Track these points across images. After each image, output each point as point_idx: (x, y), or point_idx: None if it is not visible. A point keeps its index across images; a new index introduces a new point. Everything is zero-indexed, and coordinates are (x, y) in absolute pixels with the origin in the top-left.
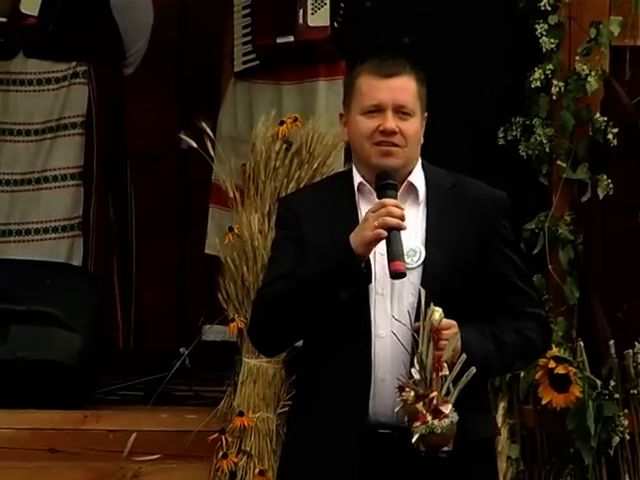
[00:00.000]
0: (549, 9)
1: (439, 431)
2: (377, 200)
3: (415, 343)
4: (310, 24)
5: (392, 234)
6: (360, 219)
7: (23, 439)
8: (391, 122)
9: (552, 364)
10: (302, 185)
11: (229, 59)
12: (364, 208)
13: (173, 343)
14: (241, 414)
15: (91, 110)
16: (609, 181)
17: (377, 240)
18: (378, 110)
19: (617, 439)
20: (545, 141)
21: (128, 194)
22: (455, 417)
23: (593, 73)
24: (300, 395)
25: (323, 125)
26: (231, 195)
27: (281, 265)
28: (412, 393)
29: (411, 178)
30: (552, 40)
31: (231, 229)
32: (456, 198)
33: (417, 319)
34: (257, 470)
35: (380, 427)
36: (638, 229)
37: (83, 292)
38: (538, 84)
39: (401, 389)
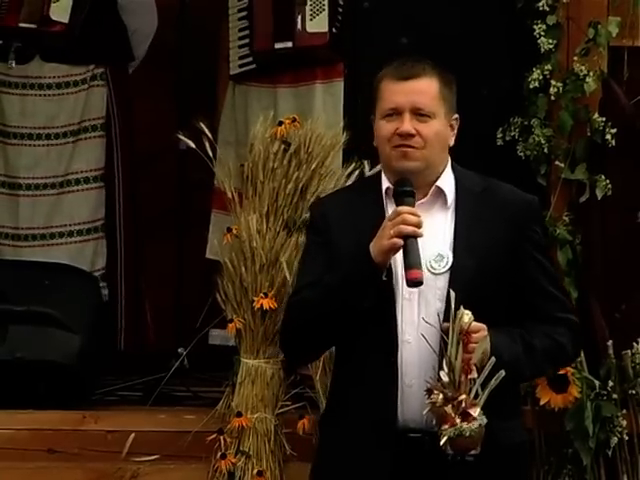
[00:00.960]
0: (547, 9)
1: (467, 434)
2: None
3: (444, 346)
4: (309, 30)
5: (409, 242)
6: None
7: (22, 439)
8: (407, 124)
9: None
10: (300, 186)
11: (225, 61)
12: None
13: (172, 343)
14: (239, 414)
15: (109, 112)
16: (607, 181)
17: (393, 249)
18: (396, 113)
19: (615, 439)
20: (543, 141)
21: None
22: (484, 420)
23: (591, 73)
24: (332, 400)
25: (321, 126)
26: (230, 197)
27: (309, 272)
28: (440, 396)
29: (439, 182)
30: (550, 40)
31: (229, 230)
32: (487, 202)
33: (446, 323)
34: (255, 471)
35: (410, 432)
36: (637, 229)
37: (82, 292)
38: (536, 84)
39: (429, 392)
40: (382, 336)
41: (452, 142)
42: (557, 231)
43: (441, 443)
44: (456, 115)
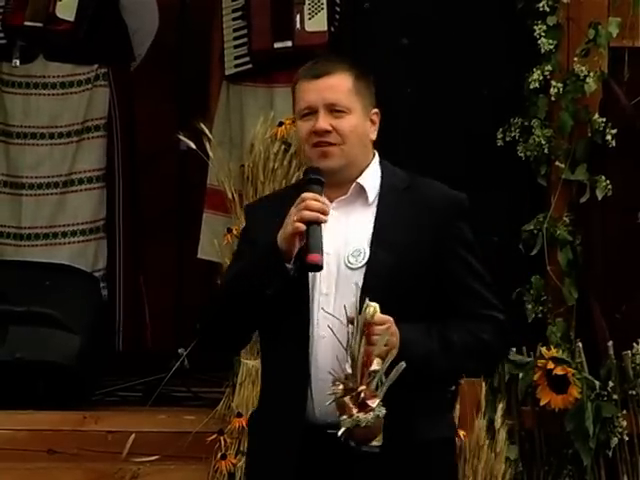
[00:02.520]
0: (548, 10)
1: (364, 424)
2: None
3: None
4: (308, 29)
5: (311, 228)
6: None
7: (22, 440)
8: (321, 121)
9: (551, 365)
10: None
11: (219, 62)
12: None
13: (172, 344)
14: (239, 415)
15: (111, 112)
16: (608, 182)
17: (295, 234)
18: (311, 112)
19: (616, 440)
20: (544, 142)
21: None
22: (382, 411)
23: (592, 74)
24: (260, 396)
25: None
26: (230, 197)
27: (233, 268)
28: (341, 386)
29: (360, 179)
30: (551, 41)
31: (230, 230)
32: (410, 199)
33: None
34: None
35: (328, 427)
36: (637, 230)
37: (82, 293)
38: (537, 85)
39: (334, 383)
40: (297, 331)
41: (374, 137)
42: (557, 232)
43: (339, 433)
44: (376, 110)
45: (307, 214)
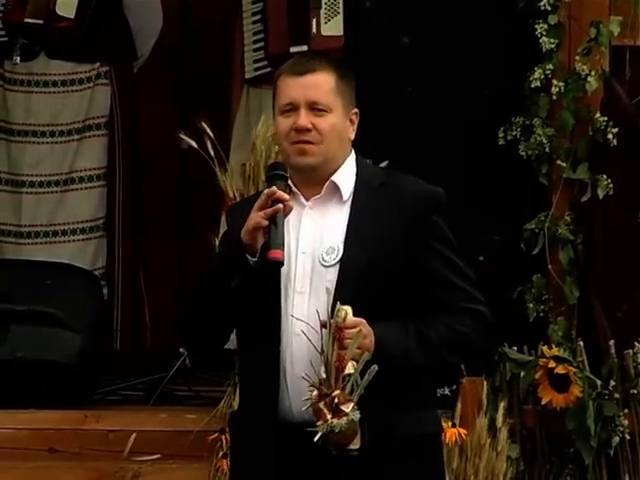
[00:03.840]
0: (549, 9)
1: (338, 429)
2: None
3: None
4: (324, 33)
5: (273, 224)
6: (289, 220)
7: (23, 439)
8: (303, 119)
9: (552, 364)
10: None
11: (240, 65)
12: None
13: (173, 343)
14: None
15: (113, 111)
16: (609, 181)
17: (257, 228)
18: (292, 109)
19: (617, 439)
20: (545, 141)
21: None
22: (356, 415)
23: (593, 73)
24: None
25: None
26: (231, 196)
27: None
28: (315, 392)
29: (335, 177)
30: (552, 40)
31: None
32: (384, 195)
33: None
34: None
35: (306, 425)
36: (638, 229)
37: (83, 292)
38: (538, 84)
39: (310, 389)
40: (268, 328)
41: (352, 136)
42: (559, 231)
43: (315, 439)
44: (355, 110)
45: (268, 210)
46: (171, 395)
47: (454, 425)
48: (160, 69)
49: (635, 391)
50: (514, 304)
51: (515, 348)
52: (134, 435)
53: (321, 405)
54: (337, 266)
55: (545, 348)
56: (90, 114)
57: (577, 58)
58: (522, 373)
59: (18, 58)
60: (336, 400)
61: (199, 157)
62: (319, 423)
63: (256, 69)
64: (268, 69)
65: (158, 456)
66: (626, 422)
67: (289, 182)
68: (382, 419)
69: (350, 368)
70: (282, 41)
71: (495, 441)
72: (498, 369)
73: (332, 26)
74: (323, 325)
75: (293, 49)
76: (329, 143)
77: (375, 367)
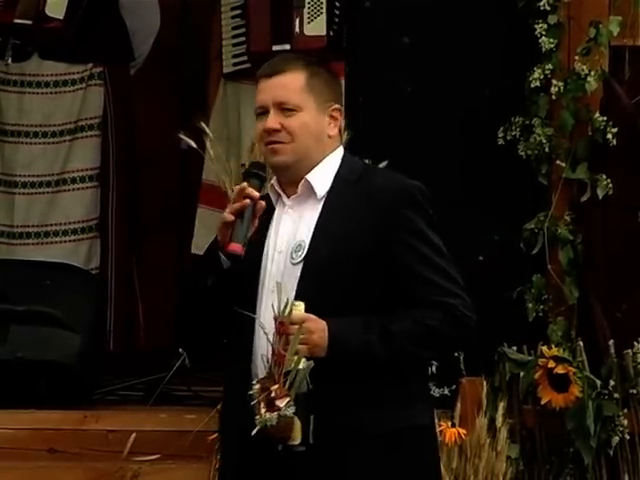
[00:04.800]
0: (548, 9)
1: (269, 424)
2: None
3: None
4: (307, 33)
5: (238, 219)
6: (273, 221)
7: (23, 439)
8: (270, 121)
9: (552, 364)
10: None
11: (217, 59)
12: (277, 210)
13: (169, 344)
14: None
15: (106, 111)
16: (608, 181)
17: (226, 224)
18: (263, 112)
19: (617, 439)
20: (544, 141)
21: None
22: (289, 411)
23: (592, 73)
24: None
25: None
26: (230, 194)
27: None
28: (258, 386)
29: (309, 176)
30: (551, 40)
31: None
32: (358, 190)
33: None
34: None
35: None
36: (638, 229)
37: (82, 292)
38: (537, 84)
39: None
40: (244, 327)
41: (333, 132)
42: (558, 230)
43: (252, 433)
44: (336, 105)
45: (234, 205)
46: (170, 395)
47: (453, 425)
48: (160, 69)
49: (635, 391)
50: (513, 304)
51: (515, 348)
52: (133, 435)
53: (260, 398)
54: (302, 264)
55: (545, 348)
56: (83, 115)
57: (577, 58)
58: (522, 373)
59: (10, 58)
60: (272, 394)
61: (199, 157)
62: (256, 417)
63: (235, 64)
64: (248, 65)
65: (157, 456)
66: (626, 422)
67: (273, 182)
68: (346, 415)
69: (292, 364)
70: (264, 39)
71: (495, 441)
72: (498, 369)
73: (315, 26)
74: (275, 321)
75: (275, 47)
76: (300, 141)
77: (311, 363)
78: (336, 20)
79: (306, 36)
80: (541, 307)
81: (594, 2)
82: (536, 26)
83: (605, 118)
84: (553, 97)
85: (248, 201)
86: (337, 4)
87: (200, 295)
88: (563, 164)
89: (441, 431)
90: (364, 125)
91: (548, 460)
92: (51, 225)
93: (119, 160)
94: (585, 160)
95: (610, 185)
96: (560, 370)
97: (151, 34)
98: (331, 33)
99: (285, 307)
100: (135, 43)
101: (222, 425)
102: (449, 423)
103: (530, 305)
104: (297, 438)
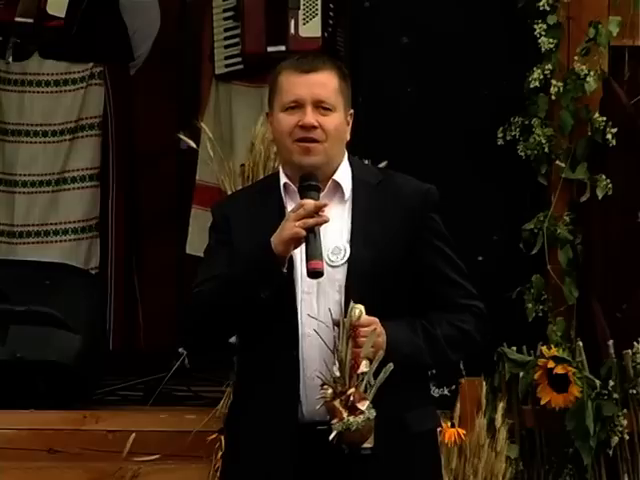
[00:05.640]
0: (548, 9)
1: (354, 428)
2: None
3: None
4: (302, 34)
5: (311, 234)
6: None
7: (23, 439)
8: (310, 117)
9: (551, 364)
10: None
11: (209, 60)
12: (290, 208)
13: (169, 344)
14: None
15: (107, 111)
16: (608, 181)
17: (294, 239)
18: (298, 106)
19: (616, 439)
20: (544, 141)
21: (133, 194)
22: (372, 413)
23: (592, 73)
24: (237, 398)
25: None
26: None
27: (212, 266)
28: (330, 390)
29: (336, 176)
30: (551, 40)
31: None
32: (383, 193)
33: (337, 318)
34: None
35: (317, 425)
36: (637, 229)
37: (82, 292)
38: (537, 84)
39: (322, 387)
40: (283, 330)
41: (348, 137)
42: (558, 231)
43: (330, 437)
44: (352, 110)
45: (307, 221)
46: (170, 395)
47: (453, 425)
48: (159, 69)
49: (634, 391)
50: (513, 304)
51: (514, 348)
52: (133, 435)
53: (336, 403)
54: (345, 267)
55: (544, 348)
56: (83, 114)
57: (576, 58)
58: (521, 373)
59: (11, 57)
60: (351, 398)
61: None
62: (334, 421)
63: (227, 65)
64: (240, 66)
65: (157, 456)
66: (625, 422)
67: (286, 181)
68: (395, 417)
69: (364, 366)
70: (259, 40)
71: (494, 441)
72: (497, 369)
73: (310, 27)
74: (336, 324)
75: (270, 49)
76: (332, 142)
77: (391, 365)
78: (330, 22)
79: (301, 37)
80: (540, 307)
81: (593, 2)
82: (535, 26)
83: (604, 118)
84: (552, 97)
85: (326, 217)
86: (331, 6)
87: (251, 306)
88: (563, 164)
89: (441, 431)
90: (364, 125)
91: (548, 460)
92: (51, 224)
93: (119, 160)
94: (585, 160)
95: (609, 185)
96: (559, 370)
97: (151, 34)
98: (325, 35)
99: (351, 310)
100: (135, 43)
101: (257, 429)
102: (449, 423)
103: (529, 305)
104: (372, 441)
